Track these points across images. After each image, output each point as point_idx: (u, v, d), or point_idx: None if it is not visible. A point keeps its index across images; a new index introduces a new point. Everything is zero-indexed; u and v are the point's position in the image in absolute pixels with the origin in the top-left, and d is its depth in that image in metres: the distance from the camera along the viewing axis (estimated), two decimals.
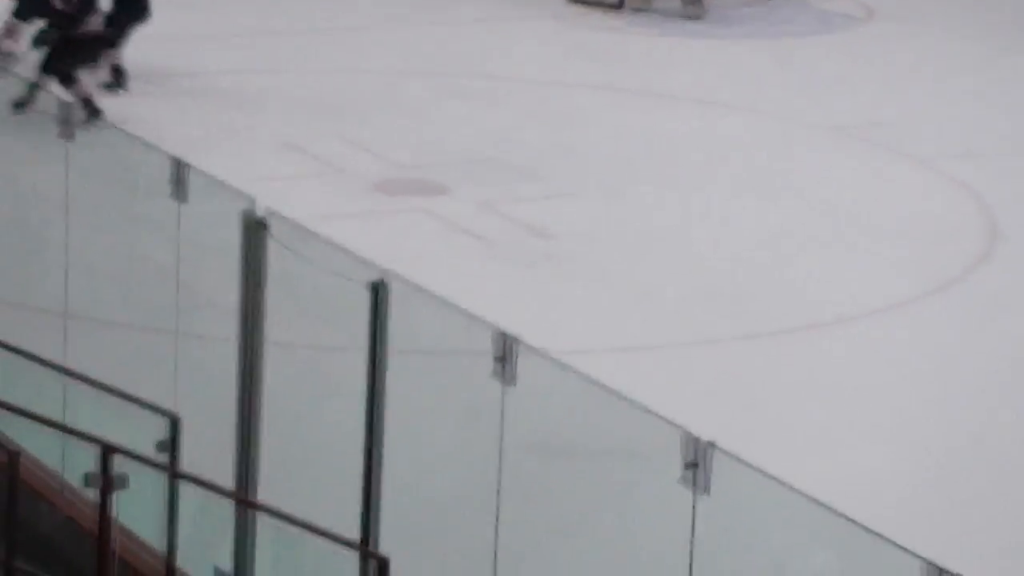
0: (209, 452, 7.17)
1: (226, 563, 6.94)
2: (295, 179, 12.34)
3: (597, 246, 11.62)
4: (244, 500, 6.94)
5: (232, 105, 14.01)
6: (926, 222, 12.24)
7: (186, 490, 6.86)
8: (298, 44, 15.89)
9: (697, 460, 5.49)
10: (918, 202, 12.74)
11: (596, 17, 17.69)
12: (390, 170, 12.90)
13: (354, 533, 6.50)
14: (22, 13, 13.25)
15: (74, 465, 7.30)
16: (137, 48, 13.68)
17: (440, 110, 14.42)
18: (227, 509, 6.92)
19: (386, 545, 6.48)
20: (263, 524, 6.80)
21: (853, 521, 5.18)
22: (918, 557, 4.90)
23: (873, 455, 8.86)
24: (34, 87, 12.03)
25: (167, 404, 7.14)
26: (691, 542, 5.58)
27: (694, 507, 5.54)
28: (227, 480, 6.95)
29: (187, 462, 6.98)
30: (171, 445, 7.05)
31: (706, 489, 5.48)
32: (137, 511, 7.05)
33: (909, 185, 13.22)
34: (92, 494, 6.95)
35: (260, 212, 6.94)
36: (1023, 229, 12.10)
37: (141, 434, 7.03)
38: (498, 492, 6.23)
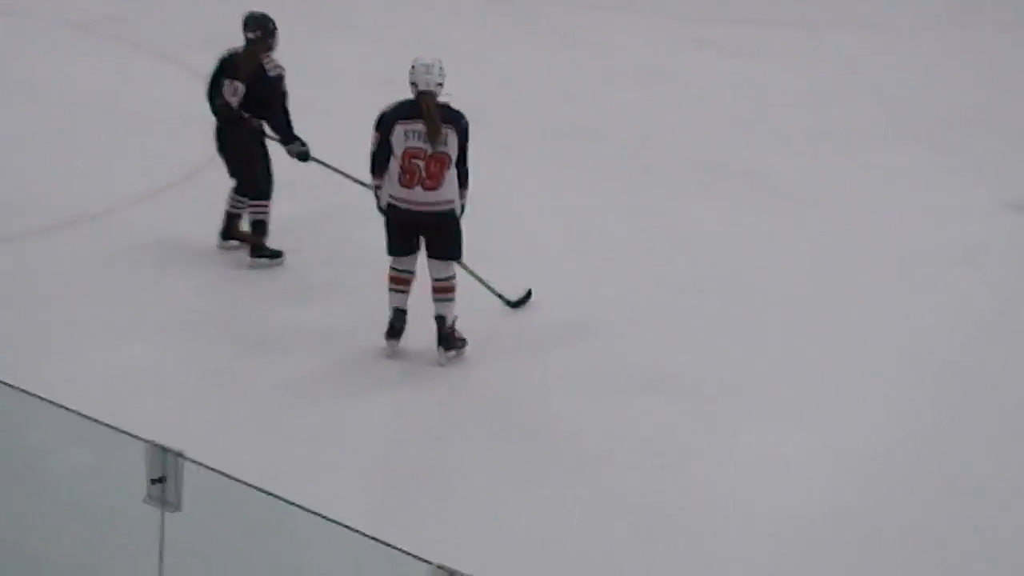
0: None
1: None
2: None
3: None
4: None
5: None
6: (173, 111, 11.95)
7: None
8: None
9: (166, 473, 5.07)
10: (165, 93, 12.44)
11: None
12: None
13: None
14: None
15: None
16: None
17: None
18: None
19: None
20: None
21: (350, 527, 4.96)
22: (424, 561, 4.60)
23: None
24: None
25: None
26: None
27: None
28: None
29: None
30: None
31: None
32: None
33: (154, 77, 12.89)
34: None
35: None
36: None
37: None
38: None
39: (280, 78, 9.30)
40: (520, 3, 15.80)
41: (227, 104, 9.39)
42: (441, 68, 8.33)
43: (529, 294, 9.28)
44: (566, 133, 12.20)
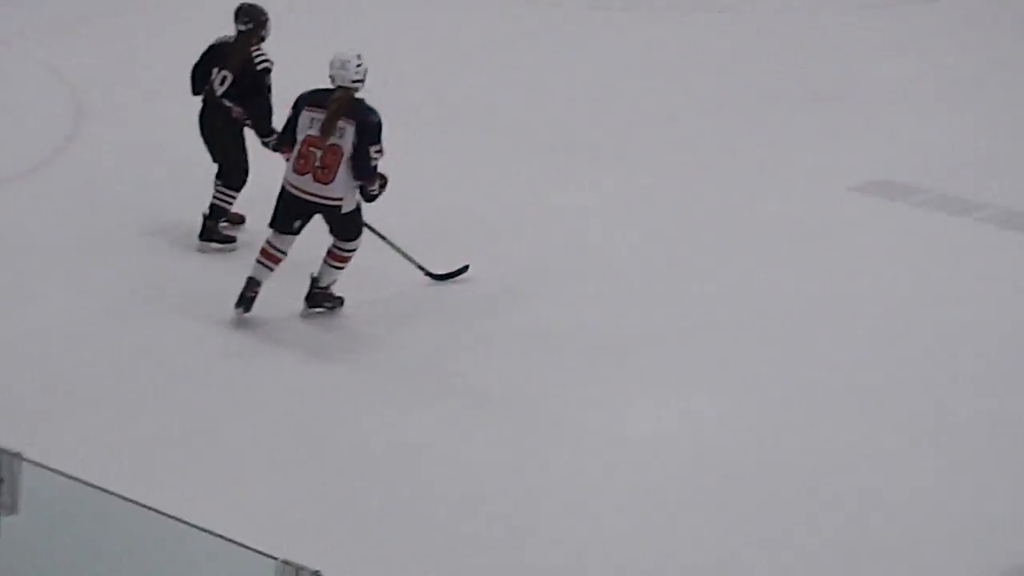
0: None
1: None
2: None
3: None
4: None
5: None
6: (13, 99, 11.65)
7: None
8: None
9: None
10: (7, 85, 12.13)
11: None
12: None
13: None
14: None
15: None
16: None
17: None
18: None
19: None
20: None
21: (195, 526, 4.83)
22: (272, 557, 4.58)
23: None
24: None
25: None
26: None
27: None
28: None
29: None
30: None
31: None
32: None
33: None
34: None
35: None
36: (105, 106, 11.64)
37: None
38: None
39: (267, 71, 9.29)
40: None
41: (212, 92, 9.36)
42: (359, 64, 8.46)
43: (464, 269, 9.30)
44: (438, 111, 12.01)
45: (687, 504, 7.37)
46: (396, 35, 13.23)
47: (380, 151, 8.43)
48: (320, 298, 8.76)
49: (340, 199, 8.47)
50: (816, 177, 11.45)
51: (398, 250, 9.12)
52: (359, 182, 8.46)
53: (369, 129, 8.38)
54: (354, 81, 8.44)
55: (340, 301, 8.82)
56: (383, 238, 9.00)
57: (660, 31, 15.20)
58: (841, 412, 8.21)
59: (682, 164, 11.41)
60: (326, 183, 8.42)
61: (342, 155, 8.39)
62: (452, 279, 9.25)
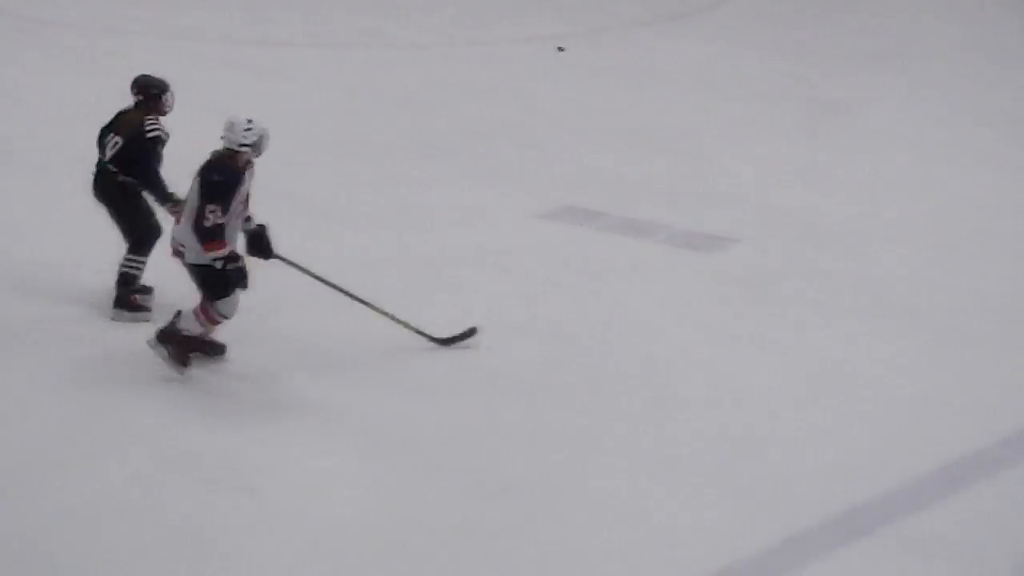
0: None
1: None
2: None
3: None
4: None
5: None
6: None
7: None
8: None
9: None
10: None
11: None
12: None
13: None
14: None
15: None
16: None
17: None
18: None
19: None
20: None
21: None
22: None
23: None
24: None
25: None
26: None
27: None
28: None
29: None
30: None
31: None
32: None
33: None
34: None
35: None
36: None
37: None
38: None
39: (158, 140, 9.37)
40: (33, 31, 15.36)
41: (103, 156, 9.45)
42: (248, 129, 8.58)
43: (469, 332, 9.31)
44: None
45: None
46: None
47: (214, 210, 8.52)
48: (167, 336, 8.78)
49: (182, 244, 8.68)
50: (506, 206, 11.72)
51: (398, 321, 9.19)
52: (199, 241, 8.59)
53: (206, 186, 8.54)
54: (242, 145, 8.60)
55: (221, 349, 8.95)
56: (380, 311, 9.13)
57: (333, 68, 15.37)
58: (537, 426, 8.36)
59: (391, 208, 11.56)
60: (179, 225, 8.74)
61: (186, 207, 8.67)
62: (459, 343, 9.26)
